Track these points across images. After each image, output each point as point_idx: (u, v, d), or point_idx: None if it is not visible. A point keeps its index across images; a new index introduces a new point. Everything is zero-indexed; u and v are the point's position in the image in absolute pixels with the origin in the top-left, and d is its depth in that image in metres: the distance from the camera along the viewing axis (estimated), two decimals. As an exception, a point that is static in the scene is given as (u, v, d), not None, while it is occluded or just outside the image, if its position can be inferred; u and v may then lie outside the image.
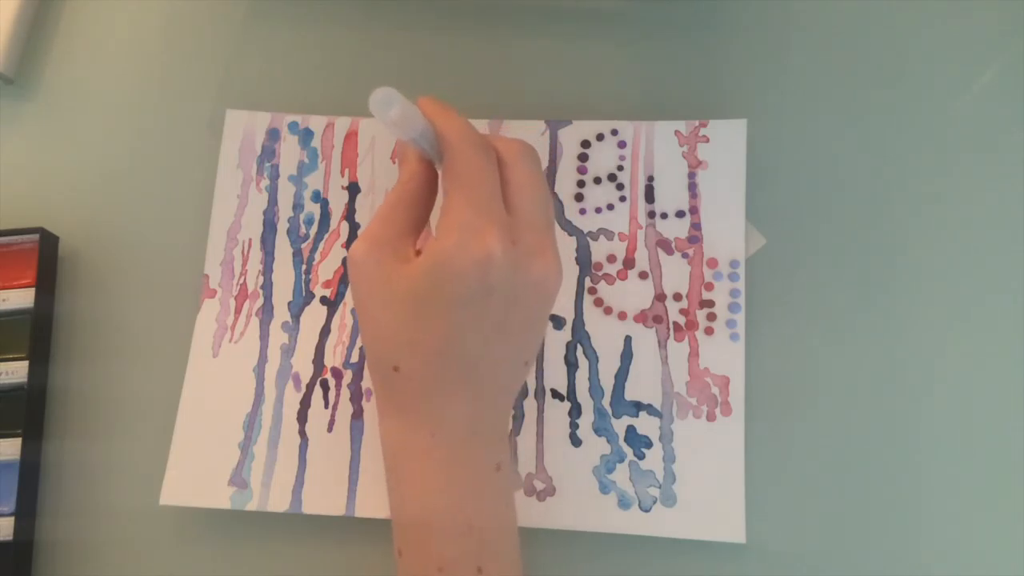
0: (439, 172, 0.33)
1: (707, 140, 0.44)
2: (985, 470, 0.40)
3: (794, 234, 0.43)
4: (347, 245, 0.45)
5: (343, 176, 0.46)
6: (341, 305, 0.44)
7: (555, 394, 0.42)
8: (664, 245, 0.43)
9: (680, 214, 0.43)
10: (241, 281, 0.45)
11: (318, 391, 0.43)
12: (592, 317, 0.43)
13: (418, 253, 0.31)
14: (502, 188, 0.32)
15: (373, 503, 0.41)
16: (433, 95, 0.33)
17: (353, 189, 0.46)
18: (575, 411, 0.41)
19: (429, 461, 0.32)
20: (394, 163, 0.46)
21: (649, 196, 0.44)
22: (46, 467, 0.44)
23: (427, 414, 0.32)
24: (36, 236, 0.45)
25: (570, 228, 0.44)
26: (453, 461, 0.32)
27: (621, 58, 0.47)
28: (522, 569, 0.34)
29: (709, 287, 0.42)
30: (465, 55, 0.49)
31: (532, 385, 0.42)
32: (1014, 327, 0.41)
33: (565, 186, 0.45)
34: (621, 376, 0.42)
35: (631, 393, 0.41)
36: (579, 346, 0.42)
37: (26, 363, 0.43)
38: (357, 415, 0.42)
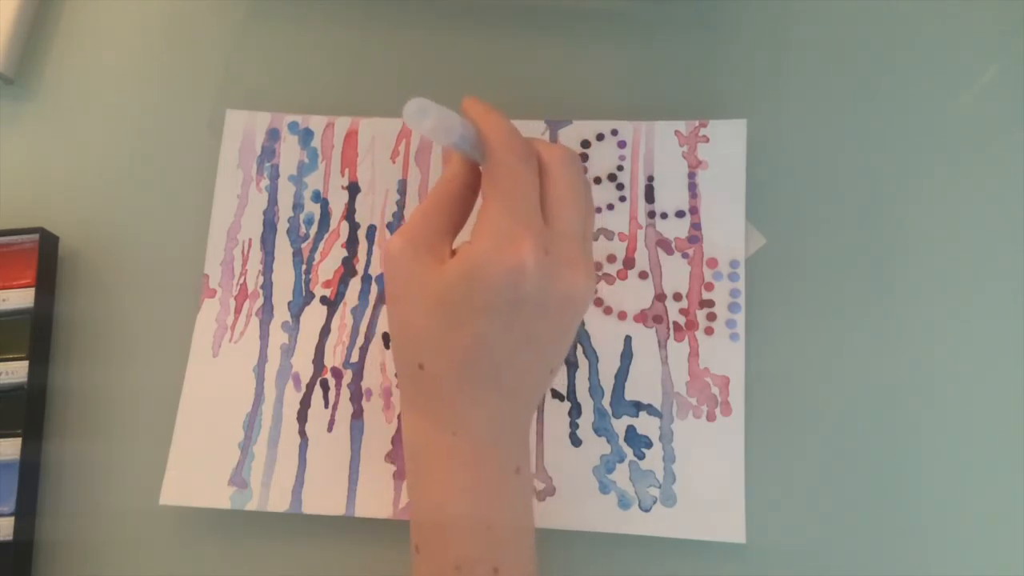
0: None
1: (707, 140, 0.44)
2: (985, 469, 0.40)
3: (794, 234, 0.43)
4: (347, 245, 0.45)
5: (343, 176, 0.46)
6: (341, 305, 0.44)
7: (555, 394, 0.42)
8: (664, 245, 0.43)
9: (680, 214, 0.43)
10: (241, 281, 0.45)
11: (318, 391, 0.43)
12: (592, 317, 0.43)
13: (454, 253, 0.31)
14: (542, 196, 0.31)
15: (373, 503, 0.41)
16: (476, 97, 0.32)
17: (353, 189, 0.46)
18: (575, 411, 0.41)
19: (450, 460, 0.32)
20: (395, 163, 0.46)
21: (649, 196, 0.44)
22: (46, 467, 0.44)
23: (450, 414, 0.32)
24: (36, 236, 0.45)
25: (570, 228, 0.44)
26: (473, 462, 0.32)
27: (621, 58, 0.47)
28: (538, 571, 0.34)
29: (709, 287, 0.42)
30: (465, 55, 0.49)
31: (532, 385, 0.42)
32: (1014, 326, 0.41)
33: (565, 186, 0.45)
34: (621, 376, 0.42)
35: (631, 393, 0.41)
36: (579, 346, 0.42)
37: (26, 363, 0.43)
38: (357, 415, 0.42)
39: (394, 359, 0.34)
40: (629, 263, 0.43)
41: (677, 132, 0.44)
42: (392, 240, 0.32)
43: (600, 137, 0.45)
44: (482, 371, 0.32)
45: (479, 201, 0.32)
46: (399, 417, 0.42)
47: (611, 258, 0.43)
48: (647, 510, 0.40)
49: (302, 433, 0.42)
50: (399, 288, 0.32)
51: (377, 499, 0.41)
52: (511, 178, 0.31)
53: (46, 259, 0.46)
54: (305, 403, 0.43)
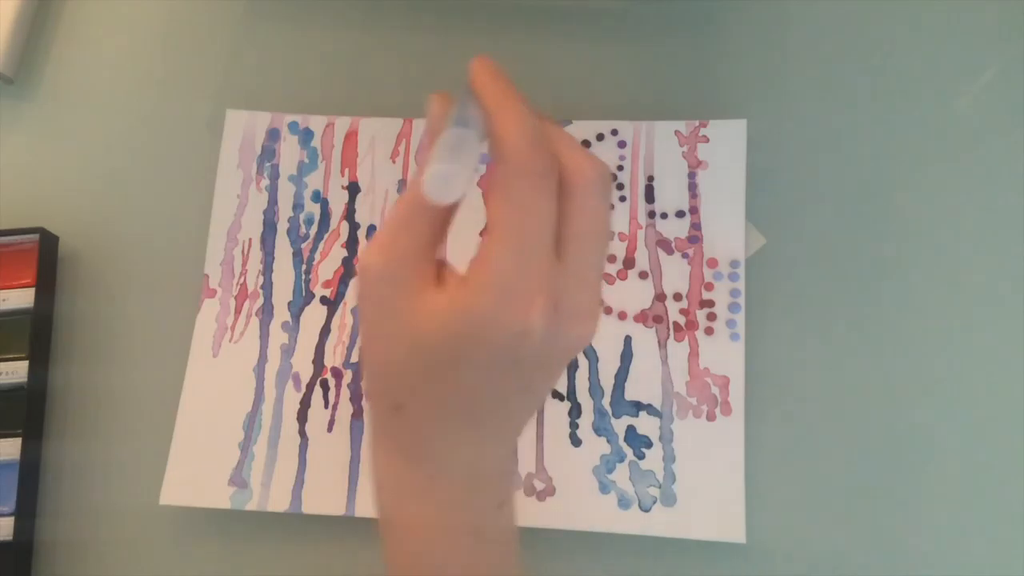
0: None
1: (707, 140, 0.44)
2: (985, 469, 0.40)
3: (794, 234, 0.43)
4: (347, 245, 0.45)
5: (343, 176, 0.46)
6: (341, 305, 0.44)
7: (555, 394, 0.42)
8: (664, 245, 0.43)
9: (680, 214, 0.43)
10: (241, 281, 0.45)
11: (318, 391, 0.43)
12: (592, 317, 0.43)
13: (441, 268, 0.27)
14: (560, 222, 0.26)
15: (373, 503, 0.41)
16: (489, 59, 0.28)
17: (353, 189, 0.46)
18: (575, 411, 0.41)
19: (427, 503, 0.30)
20: (395, 163, 0.46)
21: (649, 196, 0.44)
22: (46, 467, 0.44)
23: (428, 455, 0.29)
24: (36, 236, 0.45)
25: (570, 228, 0.44)
26: (453, 503, 0.30)
27: (621, 58, 0.47)
28: None
29: (709, 287, 0.42)
30: (465, 55, 0.48)
31: (532, 385, 0.42)
32: (1014, 326, 0.41)
33: (565, 186, 0.45)
34: (621, 376, 0.42)
35: (631, 393, 0.41)
36: (579, 346, 0.42)
37: (26, 363, 0.44)
38: (357, 415, 0.42)
39: (366, 394, 0.31)
40: (629, 263, 0.43)
41: (677, 132, 0.44)
42: (368, 255, 0.26)
43: (600, 137, 0.45)
44: (466, 416, 0.28)
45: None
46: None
47: (611, 258, 0.43)
48: (647, 510, 0.40)
49: (302, 433, 0.42)
50: (376, 316, 0.27)
51: (377, 499, 0.41)
52: (524, 210, 0.25)
53: (46, 259, 0.46)
54: (305, 403, 0.43)
